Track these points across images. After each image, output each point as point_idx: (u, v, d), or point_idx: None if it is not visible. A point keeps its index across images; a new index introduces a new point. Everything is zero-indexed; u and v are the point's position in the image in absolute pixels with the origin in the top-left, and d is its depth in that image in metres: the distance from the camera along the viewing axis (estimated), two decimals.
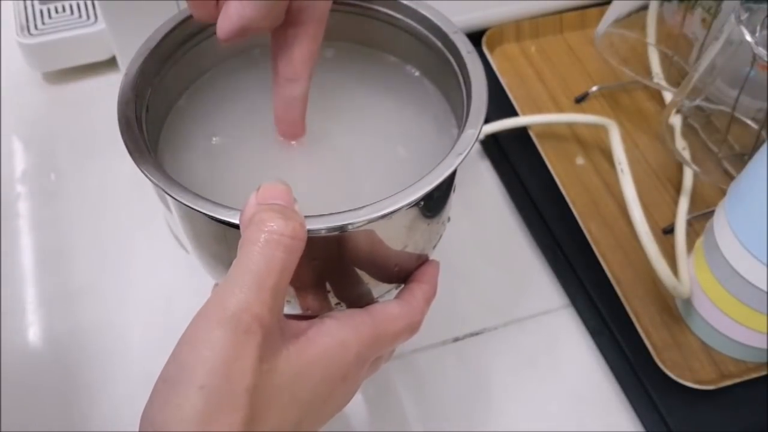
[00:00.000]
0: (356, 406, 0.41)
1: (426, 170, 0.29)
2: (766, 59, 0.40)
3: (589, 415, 0.41)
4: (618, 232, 0.46)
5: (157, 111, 0.34)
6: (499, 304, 0.45)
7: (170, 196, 0.28)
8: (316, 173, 0.34)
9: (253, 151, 0.34)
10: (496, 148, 0.51)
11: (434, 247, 0.34)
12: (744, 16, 0.41)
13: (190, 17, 0.34)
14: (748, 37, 0.40)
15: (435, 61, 0.35)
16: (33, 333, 0.44)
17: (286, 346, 0.26)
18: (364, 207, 0.27)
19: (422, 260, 0.33)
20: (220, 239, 0.30)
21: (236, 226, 0.27)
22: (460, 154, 0.29)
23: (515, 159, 0.50)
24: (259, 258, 0.25)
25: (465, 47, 0.33)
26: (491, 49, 0.55)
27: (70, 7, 0.55)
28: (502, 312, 0.45)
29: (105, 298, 0.45)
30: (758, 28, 0.41)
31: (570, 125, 0.52)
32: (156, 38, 0.33)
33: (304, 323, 0.27)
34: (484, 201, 0.50)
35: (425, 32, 0.35)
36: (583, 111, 0.53)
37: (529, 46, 0.57)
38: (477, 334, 0.44)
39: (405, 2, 0.35)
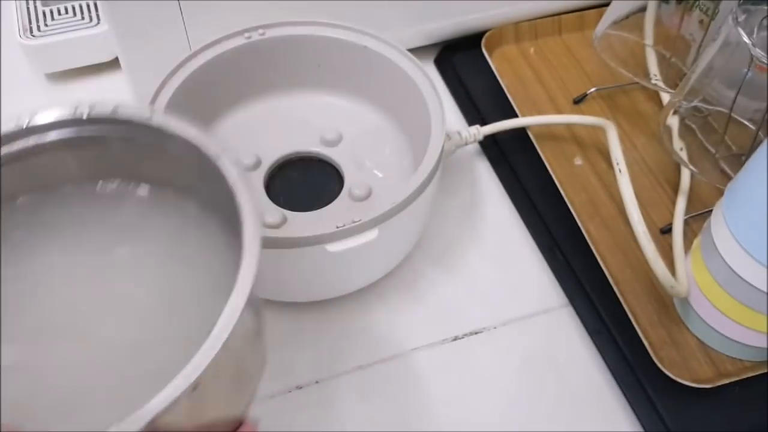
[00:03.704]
0: (355, 406, 0.41)
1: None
2: (763, 60, 0.40)
3: (587, 414, 0.42)
4: (616, 232, 0.46)
5: None
6: (498, 303, 0.45)
7: None
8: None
9: None
10: (495, 148, 0.52)
11: (247, 405, 0.30)
12: (741, 17, 0.41)
13: None
14: (746, 39, 0.40)
15: (213, 193, 0.30)
16: None
17: None
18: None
19: (238, 425, 0.29)
20: None
21: None
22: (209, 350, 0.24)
23: (514, 159, 0.51)
24: None
25: (231, 175, 0.28)
26: (490, 51, 0.55)
27: (73, 8, 0.55)
28: (501, 311, 0.45)
29: None
30: (756, 29, 0.41)
31: (568, 126, 0.52)
32: None
33: None
34: (482, 201, 0.50)
35: (198, 161, 0.30)
36: (582, 112, 0.53)
37: (527, 47, 0.57)
38: (476, 333, 0.44)
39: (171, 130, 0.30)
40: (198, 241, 0.32)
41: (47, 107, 0.31)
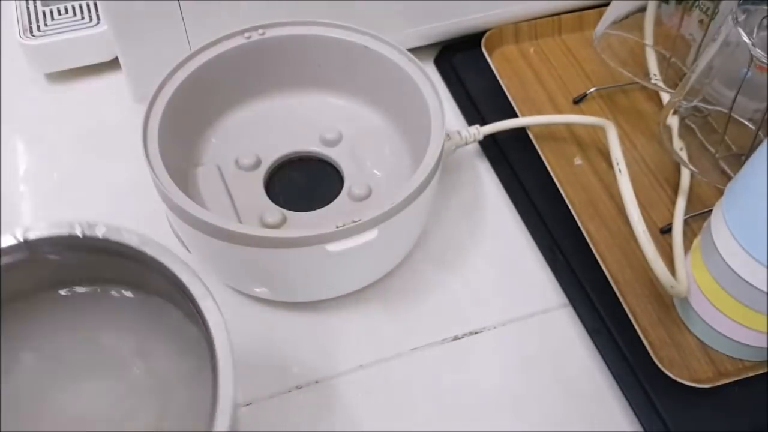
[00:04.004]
0: (355, 406, 0.41)
1: None
2: (763, 60, 0.40)
3: (587, 414, 0.42)
4: (616, 232, 0.46)
5: None
6: (498, 303, 0.46)
7: None
8: None
9: None
10: (495, 148, 0.52)
11: None
12: (741, 17, 0.41)
13: None
14: (746, 39, 0.40)
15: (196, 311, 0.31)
16: None
17: None
18: None
19: None
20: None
21: None
22: None
23: (514, 159, 0.51)
24: None
25: (211, 317, 0.30)
26: (490, 51, 0.55)
27: (73, 8, 0.55)
28: (501, 311, 0.45)
29: None
30: (756, 29, 0.41)
31: (568, 126, 0.52)
32: None
33: None
34: (482, 201, 0.50)
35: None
36: (582, 112, 0.53)
37: (527, 47, 0.57)
38: (476, 333, 0.44)
39: (156, 259, 0.31)
40: (180, 345, 0.33)
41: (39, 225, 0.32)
